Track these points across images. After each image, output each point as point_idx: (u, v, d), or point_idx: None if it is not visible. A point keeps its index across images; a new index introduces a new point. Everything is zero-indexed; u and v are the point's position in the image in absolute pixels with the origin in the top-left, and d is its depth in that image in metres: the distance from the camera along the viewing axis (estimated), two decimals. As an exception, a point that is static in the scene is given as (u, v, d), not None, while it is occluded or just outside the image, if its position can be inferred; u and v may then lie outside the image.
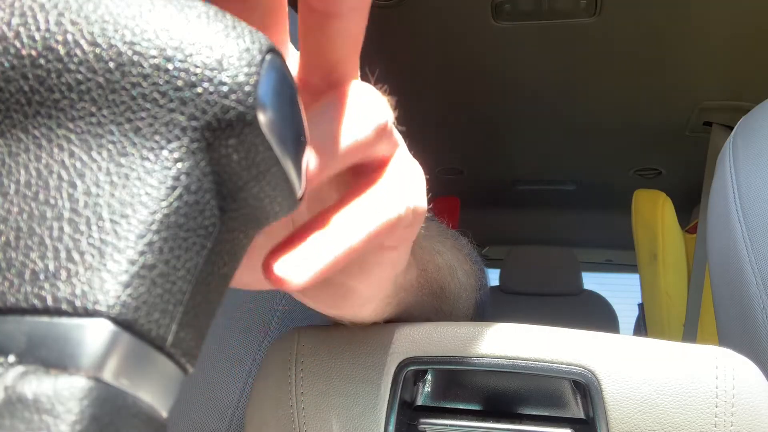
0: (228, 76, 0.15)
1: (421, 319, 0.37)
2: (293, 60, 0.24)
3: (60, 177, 0.14)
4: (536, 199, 2.43)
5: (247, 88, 0.15)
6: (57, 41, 0.14)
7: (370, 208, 0.22)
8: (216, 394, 0.51)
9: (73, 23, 0.14)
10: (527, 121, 1.85)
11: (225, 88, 0.15)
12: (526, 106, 1.76)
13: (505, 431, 0.34)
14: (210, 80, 0.15)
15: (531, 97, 1.71)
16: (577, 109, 1.76)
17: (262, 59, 0.16)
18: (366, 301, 0.29)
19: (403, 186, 0.24)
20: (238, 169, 0.16)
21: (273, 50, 0.16)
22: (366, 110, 0.22)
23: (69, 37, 0.14)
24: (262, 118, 0.16)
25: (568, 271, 2.43)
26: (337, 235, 0.20)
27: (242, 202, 0.16)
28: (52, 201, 0.14)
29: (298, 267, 0.19)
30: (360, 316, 0.33)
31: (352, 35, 0.22)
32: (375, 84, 0.27)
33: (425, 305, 0.38)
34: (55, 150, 0.14)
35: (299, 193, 0.18)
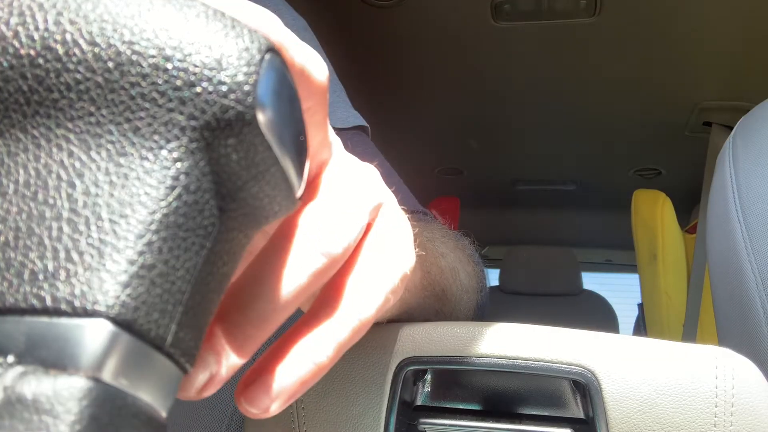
0: (227, 76, 0.15)
1: (421, 320, 0.37)
2: None
3: (59, 177, 0.14)
4: (536, 199, 2.43)
5: (246, 88, 0.15)
6: (56, 41, 0.14)
7: (340, 319, 0.21)
8: (215, 394, 0.51)
9: (72, 23, 0.14)
10: (527, 120, 1.85)
11: (224, 88, 0.15)
12: (525, 105, 1.76)
13: (504, 431, 0.34)
14: (209, 80, 0.15)
15: (531, 97, 1.71)
16: (576, 109, 1.76)
17: (261, 59, 0.16)
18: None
19: (385, 264, 0.23)
20: (238, 169, 0.16)
21: (272, 50, 0.16)
22: (316, 241, 0.20)
23: (68, 37, 0.14)
24: (261, 117, 0.15)
25: (568, 271, 2.43)
26: (303, 359, 0.20)
27: (241, 201, 0.16)
28: (51, 201, 0.14)
29: (266, 401, 0.19)
30: None
31: (318, 120, 0.21)
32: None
33: (426, 307, 0.38)
34: (54, 150, 0.14)
35: (299, 192, 0.18)
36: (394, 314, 0.35)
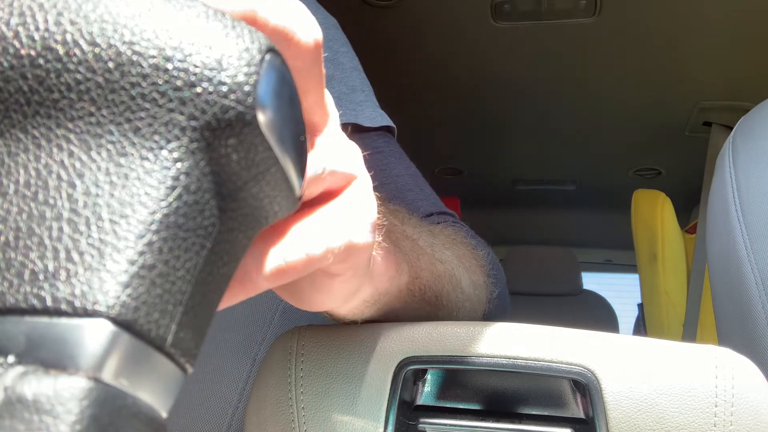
0: (227, 76, 0.15)
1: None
2: None
3: (59, 177, 0.14)
4: (536, 199, 2.43)
5: (246, 88, 0.15)
6: (56, 41, 0.14)
7: (269, 254, 0.22)
8: (215, 394, 0.51)
9: (72, 23, 0.14)
10: (527, 120, 1.85)
11: (224, 88, 0.15)
12: (525, 105, 1.76)
13: (505, 431, 0.34)
14: (209, 80, 0.15)
15: (530, 97, 1.71)
16: (576, 109, 1.76)
17: (262, 59, 0.16)
18: (337, 302, 0.29)
19: (336, 226, 0.24)
20: (238, 169, 0.16)
21: (272, 50, 0.16)
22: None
23: (68, 37, 0.14)
24: (262, 118, 0.15)
25: (568, 271, 2.43)
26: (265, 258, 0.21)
27: (242, 202, 0.16)
28: (51, 201, 0.14)
29: None
30: (338, 314, 0.33)
31: (310, 82, 0.21)
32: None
33: (415, 310, 0.38)
34: (55, 150, 0.14)
35: (298, 192, 0.18)
36: (375, 315, 0.35)
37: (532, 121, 1.85)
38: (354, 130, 0.50)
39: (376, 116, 0.52)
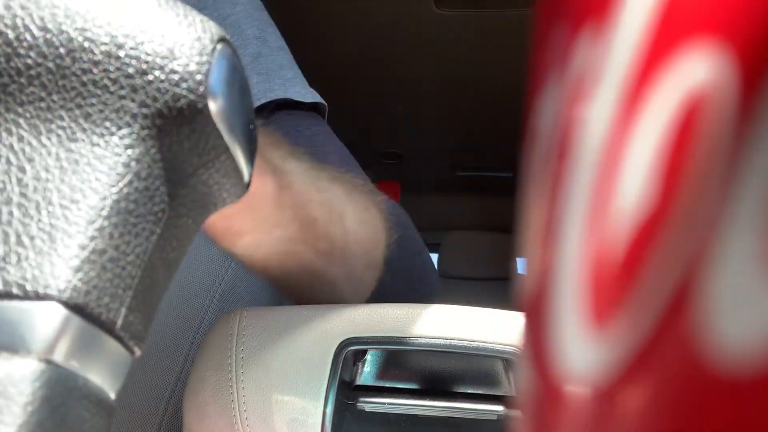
0: (179, 65, 0.15)
1: (299, 271, 0.37)
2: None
3: (8, 161, 0.14)
4: (476, 185, 2.48)
5: (198, 77, 0.15)
6: (6, 25, 0.14)
7: None
8: (151, 378, 0.50)
9: (23, 7, 0.14)
10: (466, 108, 1.88)
11: (176, 77, 0.15)
12: (465, 94, 1.79)
13: (440, 409, 0.36)
14: (161, 68, 0.15)
15: (472, 86, 1.74)
16: (517, 98, 1.80)
17: (213, 48, 0.16)
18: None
19: None
20: (189, 156, 0.16)
21: (224, 39, 0.17)
22: None
23: (18, 22, 0.14)
24: (213, 106, 0.16)
25: (505, 257, 2.50)
26: None
27: (191, 188, 0.17)
28: (0, 185, 0.14)
29: None
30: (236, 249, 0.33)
31: None
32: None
33: (296, 254, 0.36)
34: (4, 134, 0.14)
35: (247, 179, 0.19)
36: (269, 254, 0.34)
37: (472, 109, 1.89)
38: (284, 107, 0.49)
39: (306, 93, 0.51)
